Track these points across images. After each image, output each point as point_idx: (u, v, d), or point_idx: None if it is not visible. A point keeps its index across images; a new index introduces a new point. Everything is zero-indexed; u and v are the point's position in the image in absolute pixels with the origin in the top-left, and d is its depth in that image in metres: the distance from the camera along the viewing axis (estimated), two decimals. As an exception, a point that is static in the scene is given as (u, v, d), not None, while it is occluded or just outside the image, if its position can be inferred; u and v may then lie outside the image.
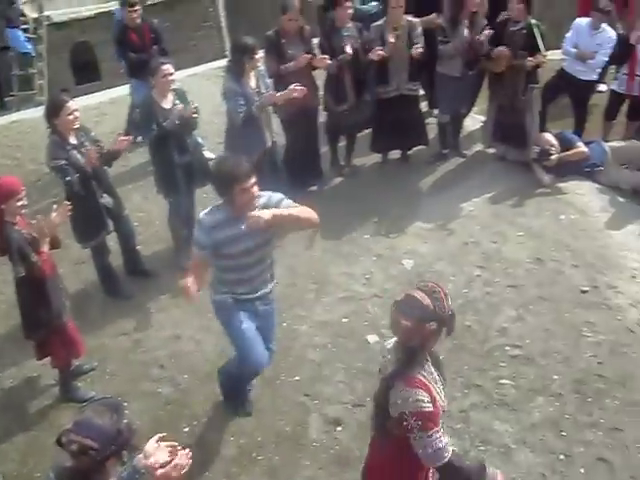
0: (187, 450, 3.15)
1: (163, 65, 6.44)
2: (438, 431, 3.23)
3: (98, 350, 6.11)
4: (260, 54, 6.71)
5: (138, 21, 8.62)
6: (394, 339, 3.46)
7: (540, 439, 5.03)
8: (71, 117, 5.89)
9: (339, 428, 5.24)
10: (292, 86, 6.70)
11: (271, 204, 4.51)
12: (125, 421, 2.88)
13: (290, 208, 4.57)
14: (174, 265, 6.93)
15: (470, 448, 4.98)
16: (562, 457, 4.89)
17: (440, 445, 3.25)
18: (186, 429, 5.31)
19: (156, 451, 3.04)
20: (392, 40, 7.48)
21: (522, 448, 4.97)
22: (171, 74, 6.46)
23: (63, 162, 5.86)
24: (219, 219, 4.47)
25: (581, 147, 7.97)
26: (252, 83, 6.74)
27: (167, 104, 6.50)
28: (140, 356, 6.05)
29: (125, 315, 6.50)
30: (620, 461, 4.83)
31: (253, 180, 4.37)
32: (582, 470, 4.79)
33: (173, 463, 3.04)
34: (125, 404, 2.90)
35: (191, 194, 6.97)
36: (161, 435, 3.14)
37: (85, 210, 6.06)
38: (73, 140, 6.00)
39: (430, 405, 3.19)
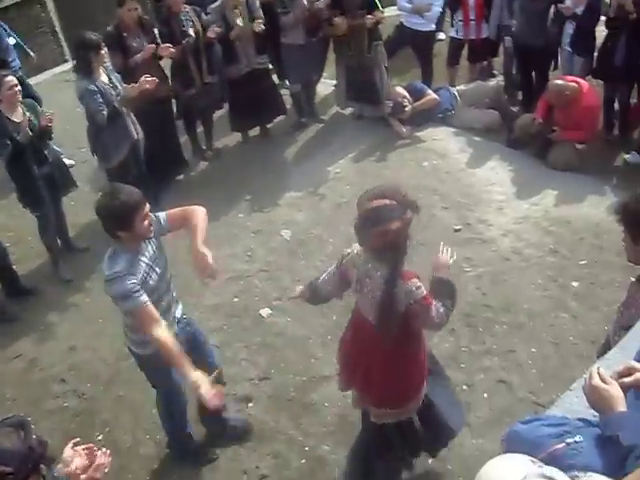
0: (104, 449, 3.14)
1: (5, 77, 6.13)
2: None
3: (-7, 378, 5.93)
4: (105, 49, 6.55)
5: None
6: (355, 248, 3.74)
7: (442, 375, 5.24)
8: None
9: (250, 404, 5.30)
10: (142, 78, 6.60)
11: (164, 227, 4.17)
12: (34, 437, 2.82)
13: (195, 226, 4.23)
14: (54, 278, 6.80)
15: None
16: (465, 387, 5.12)
17: (440, 308, 3.69)
18: (100, 437, 5.21)
19: (74, 457, 3.00)
20: (240, 23, 7.56)
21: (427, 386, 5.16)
22: (16, 85, 6.16)
23: None
24: (126, 262, 3.87)
25: (431, 95, 8.24)
26: (104, 79, 6.58)
27: (18, 117, 6.19)
28: (38, 375, 5.89)
29: (15, 337, 6.28)
30: (517, 380, 5.12)
31: (147, 204, 3.95)
32: (485, 395, 5.04)
33: (94, 464, 3.02)
34: (32, 426, 2.81)
35: (57, 204, 6.82)
36: (75, 440, 3.11)
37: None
38: None
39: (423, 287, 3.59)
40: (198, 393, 3.62)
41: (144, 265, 3.97)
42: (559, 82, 7.22)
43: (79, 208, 7.51)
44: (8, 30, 8.85)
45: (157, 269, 4.10)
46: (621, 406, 2.25)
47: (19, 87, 6.23)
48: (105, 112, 6.46)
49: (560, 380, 4.88)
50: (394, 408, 3.92)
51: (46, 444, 2.85)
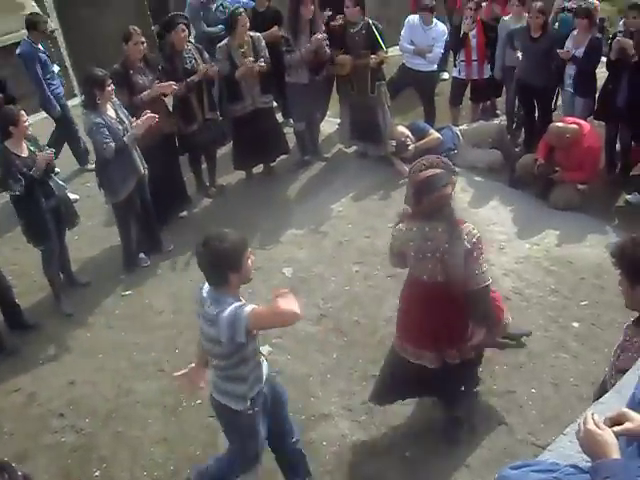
0: None
1: (21, 112, 6.26)
2: None
3: (-8, 412, 5.91)
4: (111, 86, 6.63)
5: None
6: (399, 227, 4.50)
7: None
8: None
9: (249, 443, 5.26)
10: (145, 115, 6.67)
11: None
12: (20, 473, 2.79)
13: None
14: (56, 312, 6.81)
15: (377, 436, 5.12)
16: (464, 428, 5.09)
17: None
18: (97, 473, 5.19)
19: None
20: (249, 64, 7.65)
21: (427, 426, 5.14)
22: (26, 120, 6.30)
23: None
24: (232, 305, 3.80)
25: (434, 134, 8.29)
26: (112, 114, 6.66)
27: (24, 152, 6.29)
28: (37, 409, 5.86)
29: (13, 371, 6.26)
30: (517, 421, 5.10)
31: None
32: (484, 436, 5.01)
33: None
34: (29, 460, 2.78)
35: (62, 237, 6.87)
36: None
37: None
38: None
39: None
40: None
41: None
42: (559, 125, 7.28)
43: (82, 243, 7.56)
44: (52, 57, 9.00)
45: None
46: (615, 453, 2.23)
47: (29, 123, 6.36)
48: (112, 144, 6.51)
49: (560, 421, 4.85)
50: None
51: (30, 477, 2.82)
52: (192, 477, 4.81)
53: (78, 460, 5.34)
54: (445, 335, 4.54)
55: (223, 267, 3.80)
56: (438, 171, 4.18)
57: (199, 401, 5.63)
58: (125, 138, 6.59)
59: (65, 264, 7.07)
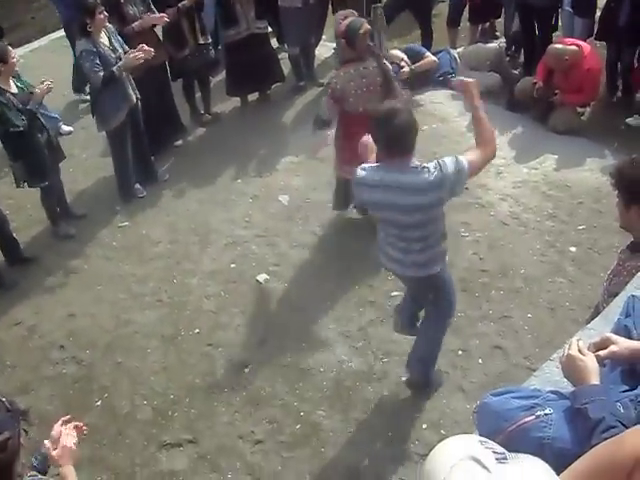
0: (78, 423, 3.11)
1: (8, 47, 6.19)
2: None
3: (-7, 345, 5.96)
4: (103, 13, 6.50)
5: None
6: (336, 73, 5.77)
7: (437, 340, 5.25)
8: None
9: (246, 370, 5.31)
10: (139, 47, 6.58)
11: None
12: (4, 399, 2.80)
13: None
14: (54, 245, 6.83)
15: (374, 362, 5.16)
16: (460, 352, 5.14)
17: None
18: (98, 403, 5.26)
19: (62, 435, 3.00)
20: None
21: (422, 352, 5.18)
22: (14, 57, 6.20)
23: None
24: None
25: (430, 57, 8.15)
26: (105, 41, 6.57)
27: (12, 89, 6.18)
28: (37, 342, 5.91)
29: (14, 305, 6.30)
30: (513, 345, 5.13)
31: None
32: (480, 360, 5.05)
33: (62, 434, 2.99)
34: (32, 392, 2.79)
35: (57, 171, 6.85)
36: (65, 418, 3.10)
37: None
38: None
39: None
40: None
41: None
42: (558, 46, 7.13)
43: (77, 175, 7.55)
44: None
45: None
46: (594, 379, 2.24)
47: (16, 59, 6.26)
48: (101, 73, 6.44)
49: (555, 346, 4.84)
50: None
51: (16, 402, 2.83)
52: (414, 372, 4.85)
53: (79, 390, 5.40)
54: None
55: (413, 134, 3.94)
56: (354, 18, 5.70)
57: (197, 330, 5.70)
58: (114, 68, 6.49)
59: (60, 196, 7.04)
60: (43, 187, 6.65)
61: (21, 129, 6.10)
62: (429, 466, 1.57)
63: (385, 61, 5.76)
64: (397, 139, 3.91)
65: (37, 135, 6.30)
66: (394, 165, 3.93)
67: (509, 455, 1.52)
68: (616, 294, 3.34)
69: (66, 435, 2.95)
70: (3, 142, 6.42)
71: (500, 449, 1.53)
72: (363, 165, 4.12)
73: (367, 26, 5.54)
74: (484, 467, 1.46)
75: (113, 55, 6.58)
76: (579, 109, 7.47)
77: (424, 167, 3.86)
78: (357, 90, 5.55)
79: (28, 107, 6.10)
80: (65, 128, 8.19)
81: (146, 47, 6.62)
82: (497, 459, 1.48)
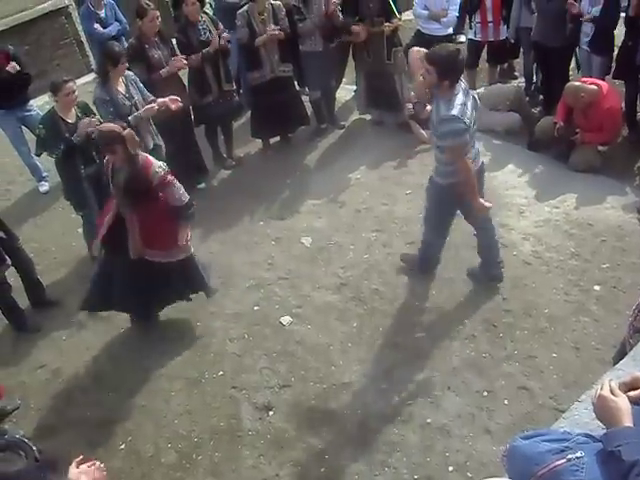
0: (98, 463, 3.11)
1: (67, 83, 6.28)
2: None
3: (18, 388, 5.95)
4: (125, 63, 6.61)
5: None
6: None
7: (462, 381, 5.22)
8: None
9: (271, 412, 5.29)
10: (162, 100, 6.69)
11: None
12: (34, 448, 2.81)
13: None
14: (76, 289, 6.85)
15: (399, 404, 5.12)
16: (485, 393, 5.10)
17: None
18: (122, 446, 5.25)
19: (80, 476, 2.99)
20: (274, 32, 7.64)
21: (448, 393, 5.15)
22: (74, 91, 6.34)
23: None
24: (460, 107, 4.98)
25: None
26: (121, 89, 6.65)
27: (71, 118, 6.39)
28: (61, 385, 5.92)
29: (38, 348, 6.34)
30: (538, 386, 5.08)
31: None
32: (506, 401, 5.00)
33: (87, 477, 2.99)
34: (56, 435, 2.79)
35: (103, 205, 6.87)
36: (78, 459, 3.09)
37: None
38: None
39: None
40: None
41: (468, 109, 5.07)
42: (576, 84, 7.16)
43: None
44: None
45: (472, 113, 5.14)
46: (627, 420, 2.22)
47: (76, 93, 6.40)
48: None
49: (581, 386, 4.84)
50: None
51: (45, 451, 2.85)
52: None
53: (103, 434, 5.39)
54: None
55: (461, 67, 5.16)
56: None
57: (221, 373, 5.69)
58: (130, 118, 6.58)
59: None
60: (82, 216, 6.83)
61: (54, 157, 6.43)
62: None
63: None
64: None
65: (79, 166, 6.45)
66: None
67: None
68: (642, 329, 3.32)
69: (87, 474, 2.94)
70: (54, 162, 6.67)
71: None
72: None
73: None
74: None
75: (127, 103, 6.65)
76: (600, 148, 7.46)
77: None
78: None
79: (71, 138, 6.26)
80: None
81: (174, 98, 6.71)
82: None
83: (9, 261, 6.19)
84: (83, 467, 2.97)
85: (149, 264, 5.70)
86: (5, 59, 8.02)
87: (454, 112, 4.91)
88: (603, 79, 7.58)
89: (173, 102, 6.70)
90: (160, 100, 6.69)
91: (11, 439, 2.86)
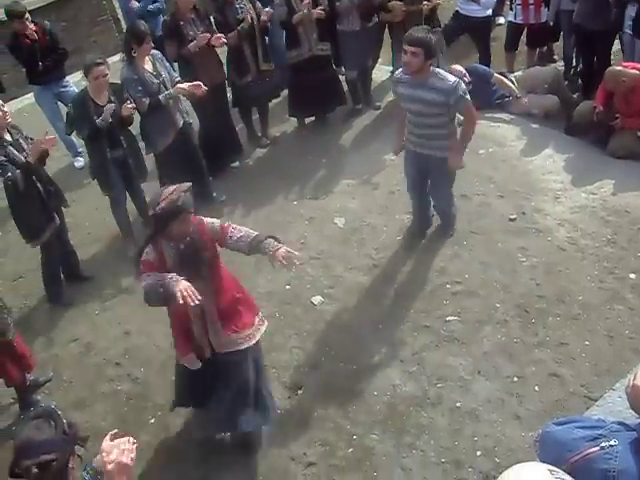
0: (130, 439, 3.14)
1: (98, 66, 6.20)
2: None
3: (51, 360, 6.05)
4: (150, 42, 6.63)
5: (31, 27, 8.06)
6: None
7: (493, 366, 5.19)
8: (0, 114, 5.76)
9: (300, 391, 5.32)
10: (190, 85, 6.68)
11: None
12: (65, 421, 2.86)
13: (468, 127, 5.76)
14: (111, 265, 6.94)
15: (428, 387, 5.11)
16: (516, 379, 5.07)
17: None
18: (152, 420, 5.32)
19: (112, 449, 3.02)
20: (315, 10, 7.65)
21: (478, 378, 5.13)
22: (105, 75, 6.26)
23: (2, 159, 5.70)
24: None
25: (505, 80, 8.16)
26: (148, 67, 6.66)
27: (102, 101, 6.35)
28: (93, 359, 6.00)
29: (71, 322, 6.43)
30: (570, 373, 5.03)
31: None
32: (536, 388, 4.97)
33: (119, 450, 3.02)
34: (87, 408, 2.84)
35: (132, 187, 6.94)
36: (113, 432, 3.12)
37: (30, 206, 5.98)
38: (8, 137, 5.85)
39: None
40: None
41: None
42: (617, 68, 7.05)
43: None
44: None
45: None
46: None
47: (108, 76, 6.33)
48: (145, 100, 6.57)
49: (613, 374, 4.81)
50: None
51: (76, 426, 2.89)
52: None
53: (134, 408, 5.47)
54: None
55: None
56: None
57: (251, 350, 5.70)
58: (161, 96, 6.60)
59: (142, 209, 7.14)
60: (109, 197, 6.86)
61: (82, 137, 6.59)
62: None
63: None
64: None
65: (105, 149, 6.47)
66: None
67: None
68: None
69: (122, 451, 2.97)
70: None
71: None
72: None
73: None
74: None
75: (155, 80, 6.66)
76: (639, 133, 7.33)
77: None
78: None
79: (96, 120, 6.27)
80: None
81: (197, 83, 6.68)
82: None
83: (57, 220, 6.28)
84: (116, 441, 3.00)
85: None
86: (41, 34, 8.07)
87: (452, 78, 5.34)
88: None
89: (197, 87, 6.68)
90: (183, 86, 6.70)
91: (47, 408, 2.93)
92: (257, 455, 4.90)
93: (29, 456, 2.72)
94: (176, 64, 7.67)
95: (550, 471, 1.50)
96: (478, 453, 4.60)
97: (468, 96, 5.42)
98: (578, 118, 7.63)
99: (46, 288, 6.64)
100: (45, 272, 6.55)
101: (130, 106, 6.38)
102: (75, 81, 8.91)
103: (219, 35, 7.18)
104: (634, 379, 2.30)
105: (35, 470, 2.70)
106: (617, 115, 7.27)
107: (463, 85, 5.38)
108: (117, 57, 11.09)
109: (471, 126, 5.76)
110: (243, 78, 7.75)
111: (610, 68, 7.16)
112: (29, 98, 9.51)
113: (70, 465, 2.82)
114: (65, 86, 8.45)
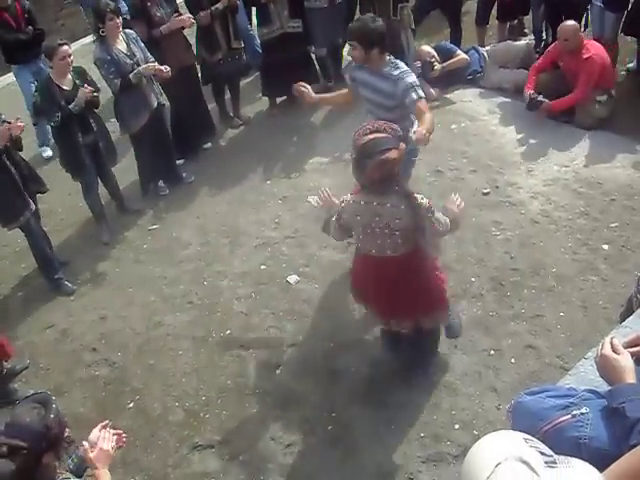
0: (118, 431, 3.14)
1: (62, 46, 6.15)
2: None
3: (27, 348, 6.02)
4: (118, 20, 6.54)
5: (9, 1, 7.98)
6: (347, 199, 4.14)
7: (470, 340, 5.21)
8: None
9: (278, 371, 5.32)
10: (157, 66, 6.66)
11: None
12: (52, 416, 2.84)
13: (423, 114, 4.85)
14: (85, 249, 6.91)
15: (406, 363, 5.11)
16: (492, 352, 5.09)
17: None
18: (130, 405, 5.31)
19: (99, 439, 3.02)
20: None
21: (455, 352, 5.14)
22: (70, 55, 6.23)
23: None
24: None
25: (461, 54, 8.11)
26: (122, 47, 6.59)
27: (67, 85, 6.30)
28: (70, 345, 5.97)
29: (47, 308, 6.39)
30: (545, 344, 5.07)
31: None
32: (513, 360, 5.00)
33: (102, 437, 3.02)
34: (54, 406, 2.83)
35: (103, 171, 6.93)
36: (103, 423, 3.12)
37: (3, 191, 5.92)
38: None
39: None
40: None
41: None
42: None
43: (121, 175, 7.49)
44: None
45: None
46: (630, 377, 2.21)
47: (72, 57, 6.29)
48: (117, 81, 6.51)
49: (588, 344, 4.82)
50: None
51: (65, 425, 2.87)
52: None
53: (112, 393, 5.45)
54: (409, 304, 4.41)
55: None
56: (381, 135, 3.81)
57: (228, 332, 5.72)
58: (131, 75, 6.55)
59: (115, 193, 7.23)
60: (81, 183, 6.82)
61: (52, 125, 6.44)
62: (472, 460, 1.53)
63: (419, 203, 3.96)
64: None
65: (77, 134, 6.41)
66: None
67: (558, 459, 1.48)
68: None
69: (104, 438, 2.97)
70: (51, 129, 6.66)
71: (547, 450, 1.49)
72: None
73: (390, 156, 3.76)
74: (533, 470, 1.42)
75: (129, 61, 6.60)
76: (599, 98, 7.28)
77: None
78: (366, 229, 4.09)
79: (69, 106, 6.20)
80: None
81: (159, 68, 6.65)
82: (546, 462, 1.44)
83: (33, 206, 6.21)
84: (104, 432, 3.01)
85: None
86: (21, 11, 7.97)
87: (402, 68, 5.01)
88: (616, 36, 7.46)
89: (160, 72, 6.66)
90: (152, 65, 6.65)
91: (46, 397, 2.93)
92: (235, 435, 4.90)
93: (6, 434, 2.75)
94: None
95: (525, 440, 1.50)
96: (456, 426, 4.63)
97: (420, 92, 4.94)
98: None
99: (44, 274, 6.56)
100: (36, 256, 6.47)
101: (88, 89, 6.28)
102: (46, 64, 8.82)
103: (188, 16, 7.12)
104: (602, 348, 2.32)
105: (4, 450, 2.70)
106: (544, 100, 7.30)
107: (413, 77, 4.97)
108: (86, 40, 11.05)
109: (425, 123, 4.74)
110: (214, 56, 7.69)
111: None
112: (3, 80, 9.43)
113: (44, 461, 2.80)
114: (42, 67, 8.32)
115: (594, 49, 7.05)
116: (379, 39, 4.92)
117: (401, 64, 5.04)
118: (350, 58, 5.66)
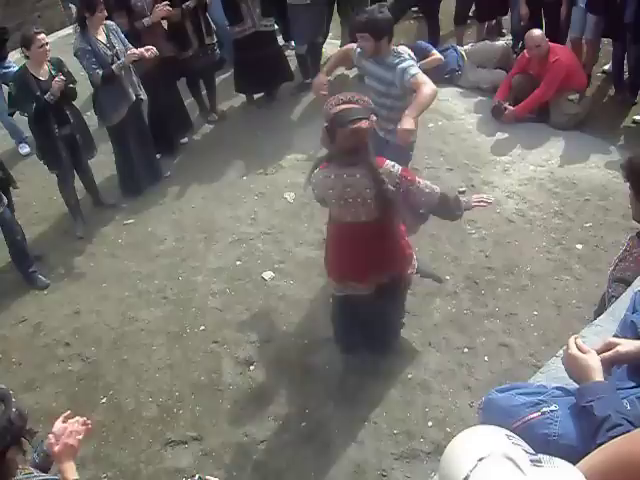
0: (82, 418, 3.11)
1: (39, 35, 6.12)
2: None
3: (-1, 342, 5.98)
4: (104, 12, 6.49)
5: None
6: (318, 175, 4.26)
7: (444, 338, 5.25)
8: None
9: (252, 367, 5.31)
10: (143, 49, 6.60)
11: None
12: (14, 410, 2.81)
13: (420, 97, 4.74)
14: (59, 243, 6.85)
15: (380, 360, 5.13)
16: (466, 350, 5.13)
17: (431, 185, 4.23)
18: (103, 400, 5.28)
19: (63, 430, 2.99)
20: None
21: (429, 349, 5.18)
22: (47, 43, 6.21)
23: None
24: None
25: (436, 54, 8.11)
26: (102, 38, 6.54)
27: (44, 75, 6.26)
28: (43, 339, 5.93)
29: (19, 302, 6.33)
30: (519, 343, 5.12)
31: None
32: (486, 358, 5.04)
33: (67, 431, 2.99)
34: (14, 400, 2.79)
35: (80, 164, 6.88)
36: (66, 414, 3.09)
37: None
38: None
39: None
40: None
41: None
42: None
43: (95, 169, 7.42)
44: None
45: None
46: (598, 376, 2.23)
47: (49, 46, 6.27)
48: (99, 72, 6.45)
49: (561, 343, 4.80)
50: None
51: (26, 418, 2.83)
52: None
53: (85, 388, 5.42)
54: (380, 263, 4.49)
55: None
56: (353, 105, 3.87)
57: (202, 327, 5.69)
58: (113, 67, 6.50)
59: (90, 186, 7.16)
60: (57, 175, 6.76)
61: (26, 116, 6.37)
62: (452, 454, 1.51)
63: (381, 170, 4.00)
64: None
65: (53, 126, 6.36)
66: None
67: (543, 458, 1.47)
68: (620, 279, 3.33)
69: (69, 432, 2.94)
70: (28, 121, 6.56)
71: (530, 449, 1.48)
72: None
73: (362, 126, 3.81)
74: (519, 468, 1.41)
75: (109, 52, 6.56)
76: (570, 97, 7.34)
77: None
78: (339, 200, 4.17)
79: (45, 97, 6.16)
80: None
81: (147, 47, 6.62)
82: (532, 461, 1.43)
83: (5, 200, 6.14)
84: (68, 422, 2.98)
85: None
86: None
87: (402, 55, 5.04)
88: (598, 39, 7.53)
89: (147, 50, 6.59)
90: (134, 50, 6.60)
91: (3, 391, 2.86)
92: (209, 432, 4.89)
93: None
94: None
95: (507, 436, 1.49)
96: (430, 424, 4.65)
97: (415, 69, 4.97)
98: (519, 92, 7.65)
99: (18, 267, 6.50)
100: (10, 248, 6.40)
101: (60, 79, 6.21)
102: (16, 58, 8.68)
103: (165, 3, 7.07)
104: (567, 349, 2.34)
105: None
106: (508, 107, 7.48)
107: (410, 62, 5.03)
108: (63, 32, 10.96)
109: (423, 98, 4.77)
110: (184, 52, 7.63)
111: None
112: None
113: (8, 456, 2.76)
114: (7, 67, 8.15)
115: (560, 52, 7.22)
116: (389, 28, 5.00)
117: (404, 53, 5.09)
118: (330, 54, 5.64)
